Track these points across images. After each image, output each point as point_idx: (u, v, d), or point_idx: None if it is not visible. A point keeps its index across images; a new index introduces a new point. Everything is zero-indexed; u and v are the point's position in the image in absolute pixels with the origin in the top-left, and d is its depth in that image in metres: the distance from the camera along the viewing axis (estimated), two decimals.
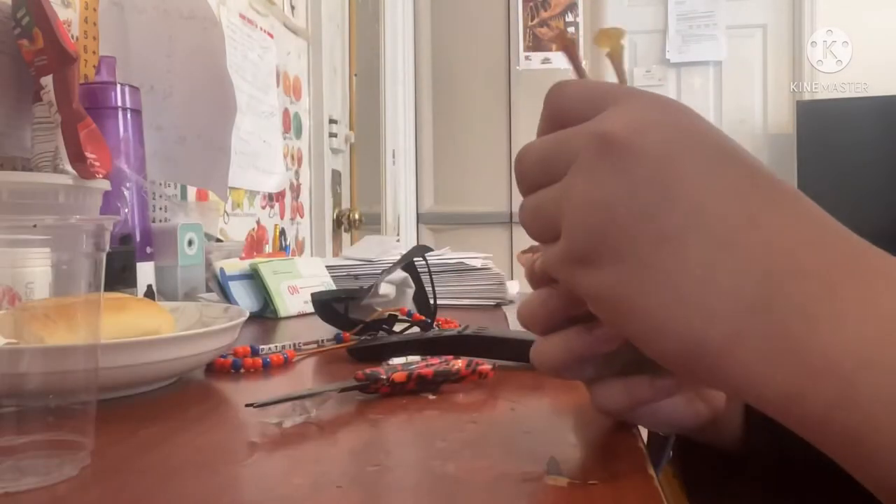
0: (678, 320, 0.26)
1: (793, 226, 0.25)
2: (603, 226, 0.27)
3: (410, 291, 0.89)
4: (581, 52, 3.30)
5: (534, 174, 0.31)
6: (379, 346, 0.65)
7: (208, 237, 1.13)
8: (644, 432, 0.40)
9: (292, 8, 1.95)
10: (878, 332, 0.22)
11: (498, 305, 1.07)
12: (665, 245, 0.26)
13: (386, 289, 0.86)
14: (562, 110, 0.30)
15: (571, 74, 0.34)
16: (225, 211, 1.52)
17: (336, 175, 2.28)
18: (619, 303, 0.27)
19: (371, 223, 2.55)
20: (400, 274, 0.87)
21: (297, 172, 1.98)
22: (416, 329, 0.73)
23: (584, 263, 0.28)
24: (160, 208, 1.14)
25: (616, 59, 0.33)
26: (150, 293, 0.89)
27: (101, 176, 0.78)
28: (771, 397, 0.24)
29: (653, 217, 0.26)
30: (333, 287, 1.05)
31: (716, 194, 0.26)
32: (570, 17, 3.33)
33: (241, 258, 1.04)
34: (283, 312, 0.95)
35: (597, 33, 0.33)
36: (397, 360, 0.53)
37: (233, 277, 0.95)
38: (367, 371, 0.50)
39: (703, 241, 0.25)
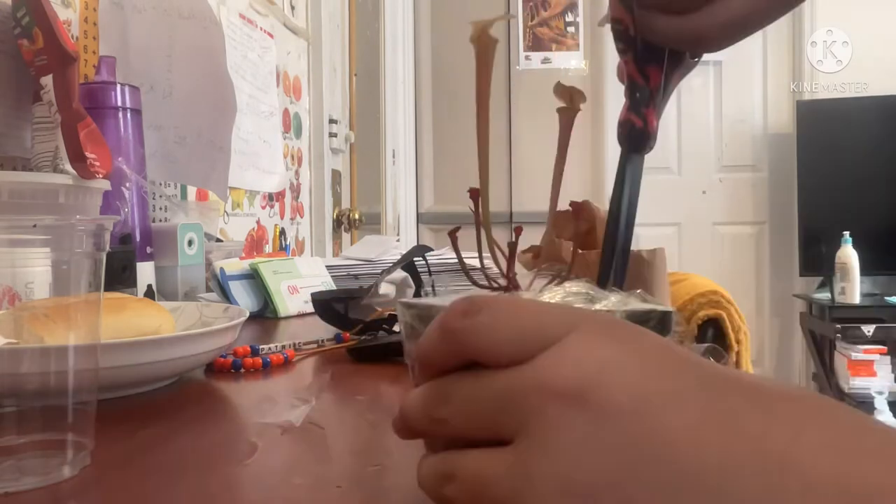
0: None
1: (834, 445, 0.20)
2: None
3: (410, 291, 0.89)
4: (581, 48, 3.29)
5: (449, 427, 0.24)
6: (379, 346, 0.65)
7: (208, 237, 1.13)
8: None
9: (292, 8, 1.95)
10: None
11: None
12: None
13: (386, 289, 0.86)
14: (480, 350, 0.24)
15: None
16: (225, 211, 1.52)
17: (336, 175, 2.28)
18: None
19: (371, 223, 2.55)
20: (400, 274, 0.87)
21: (297, 172, 1.98)
22: None
23: None
24: (160, 208, 1.14)
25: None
26: (150, 293, 0.89)
27: (101, 176, 0.78)
28: None
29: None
30: (333, 287, 1.05)
31: (721, 441, 0.21)
32: (569, 17, 3.32)
33: (241, 258, 1.04)
34: (283, 312, 0.95)
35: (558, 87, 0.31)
36: None
37: (233, 277, 0.95)
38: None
39: None
